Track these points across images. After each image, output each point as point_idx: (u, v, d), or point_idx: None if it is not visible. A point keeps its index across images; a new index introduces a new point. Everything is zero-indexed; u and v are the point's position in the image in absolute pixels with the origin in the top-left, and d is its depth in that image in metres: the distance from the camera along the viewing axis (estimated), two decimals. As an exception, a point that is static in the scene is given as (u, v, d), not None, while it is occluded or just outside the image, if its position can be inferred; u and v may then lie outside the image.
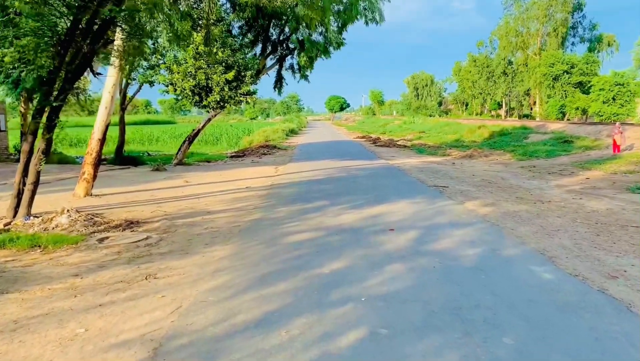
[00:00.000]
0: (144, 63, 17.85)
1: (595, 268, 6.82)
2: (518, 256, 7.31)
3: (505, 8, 63.94)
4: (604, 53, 59.21)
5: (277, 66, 22.46)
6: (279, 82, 22.61)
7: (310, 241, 8.26)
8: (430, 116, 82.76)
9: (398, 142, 37.28)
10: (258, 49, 21.97)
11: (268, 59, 22.13)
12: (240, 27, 20.91)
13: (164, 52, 17.21)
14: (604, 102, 46.95)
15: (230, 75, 17.06)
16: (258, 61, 21.04)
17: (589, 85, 52.34)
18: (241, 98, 17.80)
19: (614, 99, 46.40)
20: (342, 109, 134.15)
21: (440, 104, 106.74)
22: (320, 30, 21.33)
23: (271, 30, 21.46)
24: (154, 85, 19.58)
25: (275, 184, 15.61)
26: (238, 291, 5.93)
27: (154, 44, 16.58)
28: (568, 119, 53.09)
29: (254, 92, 18.43)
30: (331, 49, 21.70)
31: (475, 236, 8.53)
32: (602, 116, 46.96)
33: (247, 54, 19.51)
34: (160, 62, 17.97)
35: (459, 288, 5.91)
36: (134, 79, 20.21)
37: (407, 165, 21.31)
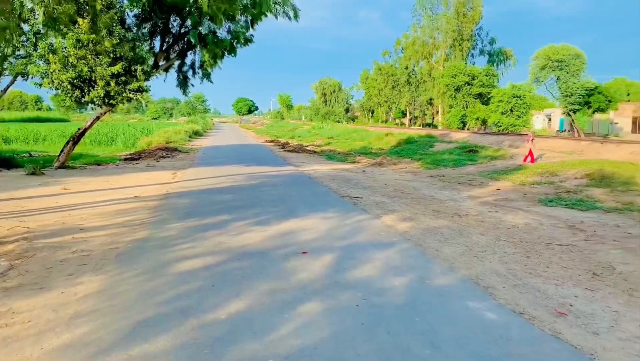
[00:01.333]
0: (18, 51, 15.34)
1: (538, 301, 5.91)
2: (451, 288, 6.26)
3: (413, 16, 65.49)
4: (502, 66, 62.11)
5: (178, 62, 20.50)
6: (183, 81, 20.64)
7: (205, 270, 6.73)
8: (338, 122, 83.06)
9: (307, 148, 36.27)
10: (158, 43, 19.94)
11: (170, 54, 20.13)
12: (136, 17, 18.77)
13: (37, 38, 14.76)
14: (502, 113, 48.92)
15: (117, 68, 14.90)
16: (154, 54, 18.99)
17: (488, 96, 54.54)
18: (130, 95, 15.69)
19: (511, 110, 48.47)
20: (250, 112, 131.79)
21: (347, 110, 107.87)
22: (227, 26, 19.74)
23: (172, 22, 19.53)
24: (27, 78, 16.81)
25: (170, 193, 13.81)
26: (99, 350, 4.33)
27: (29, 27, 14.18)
28: (468, 129, 54.96)
29: (146, 90, 16.32)
30: (238, 46, 20.15)
31: (399, 261, 7.42)
32: (500, 126, 48.92)
33: (143, 46, 17.39)
34: (35, 50, 15.37)
35: (391, 338, 4.69)
36: (5, 69, 17.34)
37: (318, 172, 20.19)
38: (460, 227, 10.34)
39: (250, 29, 20.09)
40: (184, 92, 20.62)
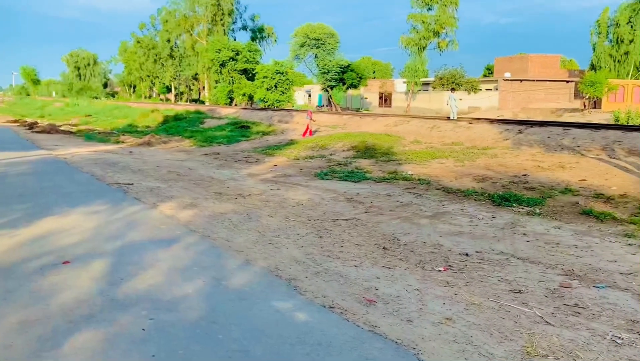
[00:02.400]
0: None
1: (344, 289, 5.53)
2: (252, 286, 5.52)
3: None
4: (265, 43, 63.40)
5: None
6: None
7: None
8: (96, 98, 75.88)
9: (61, 128, 31.93)
10: None
11: None
12: None
13: None
14: (267, 89, 49.95)
15: None
16: None
17: (253, 72, 55.20)
18: None
19: (276, 86, 49.79)
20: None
21: (105, 85, 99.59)
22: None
23: None
24: None
25: None
26: None
27: None
28: (236, 104, 55.12)
29: None
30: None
31: (188, 259, 6.41)
32: (266, 102, 49.97)
33: None
34: None
35: (193, 369, 3.73)
36: None
37: (77, 156, 17.58)
38: (247, 210, 9.68)
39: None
40: None
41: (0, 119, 44.48)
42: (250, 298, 5.17)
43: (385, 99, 60.53)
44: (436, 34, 47.45)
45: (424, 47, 49.00)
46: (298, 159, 18.84)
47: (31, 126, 32.61)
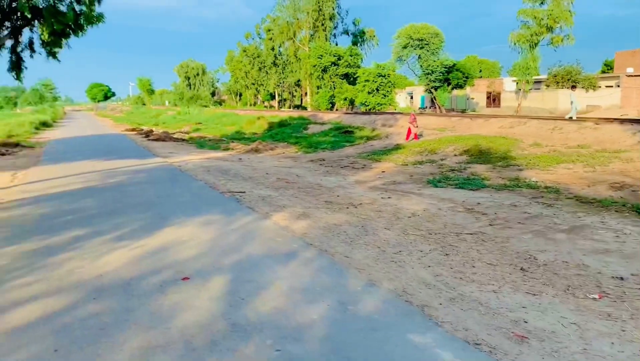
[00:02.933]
0: None
1: (487, 321, 4.81)
2: (382, 314, 4.95)
3: (277, -5, 64.04)
4: (365, 46, 63.03)
5: (11, 42, 17.01)
6: (16, 63, 17.15)
7: (45, 322, 4.75)
8: (205, 106, 79.53)
9: (174, 135, 33.48)
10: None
11: (-2, 32, 16.60)
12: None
13: None
14: (369, 93, 49.53)
15: None
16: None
17: (354, 76, 55.03)
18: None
19: (377, 89, 49.23)
20: (106, 98, 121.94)
21: (213, 94, 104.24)
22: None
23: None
24: None
25: (6, 202, 11.06)
26: None
27: None
28: (337, 109, 55.20)
29: None
30: (85, 23, 17.19)
31: (309, 277, 5.99)
32: (367, 105, 49.55)
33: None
34: None
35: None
36: None
37: (190, 164, 18.08)
38: (361, 221, 9.17)
39: (97, 4, 17.24)
40: (18, 77, 17.17)
41: (119, 127, 47.75)
42: (383, 328, 4.60)
43: (493, 99, 57.78)
44: (549, 29, 44.42)
45: (535, 44, 46.11)
46: (406, 164, 18.09)
47: (147, 134, 34.47)
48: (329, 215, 9.67)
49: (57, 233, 8.19)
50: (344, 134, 28.21)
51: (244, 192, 12.10)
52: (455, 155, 18.89)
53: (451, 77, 50.70)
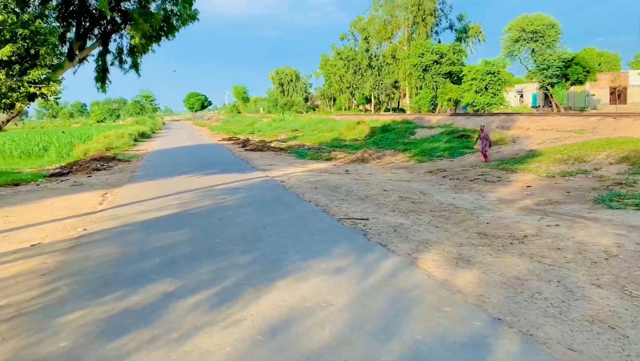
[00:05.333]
0: None
1: None
2: None
3: (372, -6, 61.56)
4: (470, 43, 58.78)
5: (99, 49, 15.78)
6: (102, 73, 15.89)
7: None
8: (299, 112, 78.65)
9: (271, 144, 31.94)
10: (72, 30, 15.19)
11: (87, 41, 15.40)
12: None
13: None
14: (476, 92, 45.58)
15: (7, 50, 10.12)
16: (60, 32, 14.31)
17: (458, 75, 51.21)
18: (31, 89, 11.00)
19: (486, 88, 45.18)
20: (203, 107, 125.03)
21: (306, 100, 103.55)
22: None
23: (89, -5, 14.87)
24: None
25: (87, 234, 9.36)
26: None
27: None
28: (439, 111, 51.68)
29: (56, 81, 11.53)
30: (178, 24, 15.64)
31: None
32: (475, 106, 45.67)
33: (47, 23, 12.64)
34: None
35: None
36: None
37: (293, 179, 15.97)
38: (547, 270, 6.39)
39: (193, 2, 15.65)
40: (102, 88, 15.83)
41: (216, 137, 47.34)
42: None
43: (618, 95, 51.56)
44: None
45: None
46: (552, 176, 14.85)
47: (244, 144, 33.23)
48: (495, 258, 6.96)
49: (137, 287, 6.15)
50: (459, 139, 25.08)
51: (367, 219, 9.65)
52: (611, 163, 15.36)
53: (569, 72, 45.62)
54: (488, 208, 10.96)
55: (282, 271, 6.50)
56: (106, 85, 15.57)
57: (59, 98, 11.94)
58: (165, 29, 14.78)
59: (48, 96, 11.34)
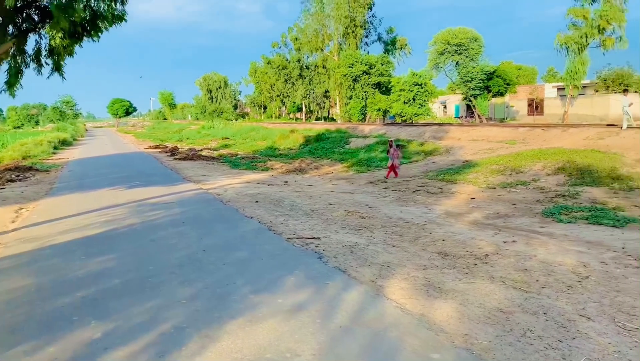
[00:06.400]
0: None
1: None
2: None
3: (302, 2, 61.24)
4: (397, 55, 59.72)
5: (12, 50, 14.03)
6: (14, 75, 14.12)
7: None
8: (229, 119, 76.90)
9: (202, 153, 30.53)
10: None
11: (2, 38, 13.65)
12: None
13: None
14: (404, 103, 46.17)
15: None
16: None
17: (386, 85, 51.77)
18: None
19: (414, 99, 45.83)
20: (128, 113, 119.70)
21: (235, 107, 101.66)
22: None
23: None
24: None
25: (-4, 261, 7.98)
26: None
27: None
28: (369, 121, 52.00)
29: None
30: (104, 25, 14.22)
31: None
32: (403, 116, 46.26)
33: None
34: None
35: None
36: None
37: (230, 191, 14.92)
38: (528, 298, 5.88)
39: (119, 3, 14.29)
40: (10, 92, 14.05)
41: (142, 144, 45.07)
42: None
43: (535, 107, 53.93)
44: (601, 30, 40.58)
45: (584, 46, 42.32)
46: (494, 187, 14.75)
47: (172, 152, 31.63)
48: (467, 285, 6.38)
49: (56, 334, 5.03)
50: (394, 149, 24.87)
51: (318, 238, 8.86)
52: (548, 174, 15.49)
53: (491, 84, 47.19)
54: (438, 223, 10.50)
55: (232, 309, 5.57)
56: (15, 89, 13.84)
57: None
58: (88, 28, 13.35)
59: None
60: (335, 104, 62.73)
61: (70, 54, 14.24)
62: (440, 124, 33.30)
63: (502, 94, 50.06)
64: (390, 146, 18.23)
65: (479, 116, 49.62)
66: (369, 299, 5.81)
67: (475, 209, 11.95)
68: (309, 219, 10.71)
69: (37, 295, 6.26)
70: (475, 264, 7.39)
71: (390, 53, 58.91)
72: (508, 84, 48.40)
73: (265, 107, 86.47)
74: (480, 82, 46.43)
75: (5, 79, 13.66)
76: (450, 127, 30.24)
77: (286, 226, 9.91)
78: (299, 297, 5.91)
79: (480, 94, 47.93)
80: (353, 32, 57.30)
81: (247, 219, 10.67)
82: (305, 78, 69.84)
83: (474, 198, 13.36)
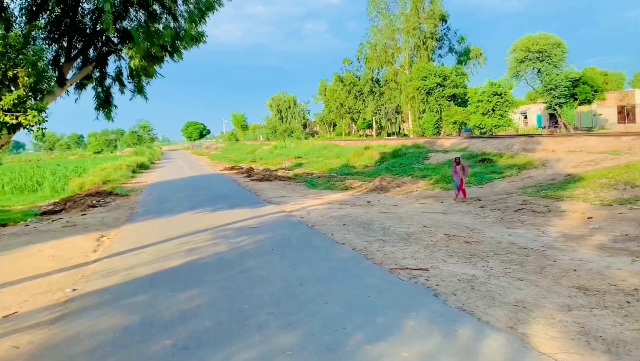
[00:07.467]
0: None
1: None
2: None
3: (369, 19, 60.61)
4: (472, 65, 57.60)
5: (96, 73, 14.04)
6: (104, 99, 14.13)
7: None
8: (299, 138, 77.11)
9: (277, 173, 30.11)
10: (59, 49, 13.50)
11: (79, 61, 13.68)
12: (25, 8, 12.41)
13: None
14: (483, 114, 44.12)
15: None
16: (57, 67, 12.65)
17: (462, 97, 49.88)
18: (6, 118, 9.14)
19: (493, 110, 43.71)
20: (202, 136, 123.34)
21: (305, 126, 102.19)
22: (164, 18, 13.59)
23: (82, 12, 13.22)
24: None
25: (78, 296, 7.44)
26: None
27: None
28: (444, 134, 50.20)
29: (39, 109, 9.59)
30: (182, 45, 13.92)
31: None
32: (482, 128, 44.17)
33: (34, 47, 10.91)
34: None
35: None
36: None
37: (314, 213, 14.08)
38: None
39: (200, 22, 13.96)
40: (108, 116, 14.02)
41: (217, 166, 45.51)
42: None
43: (627, 114, 50.17)
44: None
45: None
46: (610, 204, 13.05)
47: (248, 173, 31.42)
48: (634, 332, 5.08)
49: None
50: (481, 163, 23.32)
51: (426, 269, 7.75)
52: (671, 188, 13.58)
53: (577, 91, 44.31)
54: (558, 248, 9.11)
55: (349, 364, 4.59)
56: (112, 110, 13.83)
57: (45, 129, 10.08)
58: (169, 49, 13.05)
59: (32, 125, 9.51)
60: (407, 118, 61.25)
61: (151, 75, 14.03)
62: (530, 135, 31.25)
63: (589, 102, 46.90)
64: (458, 163, 16.77)
65: (565, 125, 46.64)
66: (515, 353, 4.66)
67: (597, 231, 10.41)
68: (406, 245, 9.62)
69: (121, 342, 5.54)
70: (629, 302, 6.05)
71: (463, 64, 56.93)
72: (596, 91, 45.34)
73: (334, 125, 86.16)
74: (566, 90, 43.69)
75: (96, 104, 13.66)
76: (540, 138, 28.17)
77: (384, 254, 8.86)
78: (425, 348, 4.84)
79: (566, 102, 45.09)
80: (424, 44, 55.81)
81: (338, 246, 9.72)
82: (375, 94, 68.91)
83: (591, 217, 11.77)
